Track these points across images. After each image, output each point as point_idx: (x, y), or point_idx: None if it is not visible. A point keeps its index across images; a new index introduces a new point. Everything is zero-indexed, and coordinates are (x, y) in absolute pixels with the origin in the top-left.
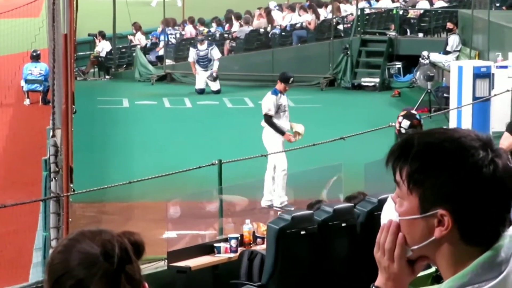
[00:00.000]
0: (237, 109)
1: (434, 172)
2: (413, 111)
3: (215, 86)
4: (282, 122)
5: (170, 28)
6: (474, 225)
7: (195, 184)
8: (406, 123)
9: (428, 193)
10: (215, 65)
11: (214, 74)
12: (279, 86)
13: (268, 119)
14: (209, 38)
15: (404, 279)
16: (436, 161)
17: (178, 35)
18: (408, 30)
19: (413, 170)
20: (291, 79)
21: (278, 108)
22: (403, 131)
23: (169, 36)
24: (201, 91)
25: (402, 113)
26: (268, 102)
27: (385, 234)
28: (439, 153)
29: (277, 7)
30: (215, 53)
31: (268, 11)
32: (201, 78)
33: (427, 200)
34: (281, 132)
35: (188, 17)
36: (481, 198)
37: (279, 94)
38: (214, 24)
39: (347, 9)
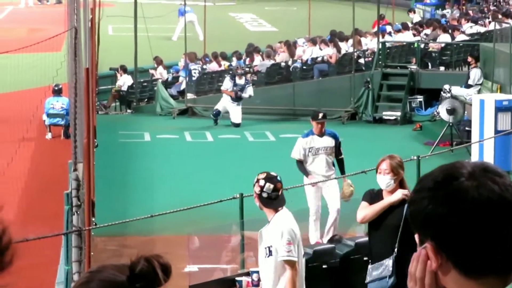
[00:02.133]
0: (258, 142)
1: (419, 201)
2: (273, 173)
3: (236, 118)
4: (314, 166)
5: (192, 63)
6: (466, 254)
7: (217, 217)
8: (269, 186)
9: (415, 224)
10: (247, 95)
11: (241, 94)
12: (313, 126)
13: (297, 163)
14: (230, 72)
15: None
16: (421, 189)
17: (200, 69)
18: (429, 64)
19: (408, 202)
20: (320, 114)
21: (309, 152)
22: (264, 195)
23: (192, 71)
24: (217, 113)
25: (262, 175)
26: (296, 146)
27: (416, 263)
28: (426, 181)
29: (305, 43)
30: (250, 90)
31: (288, 44)
32: (225, 103)
33: (419, 232)
34: (306, 173)
35: (212, 52)
36: (465, 225)
37: (311, 136)
38: (234, 58)
39: (368, 43)
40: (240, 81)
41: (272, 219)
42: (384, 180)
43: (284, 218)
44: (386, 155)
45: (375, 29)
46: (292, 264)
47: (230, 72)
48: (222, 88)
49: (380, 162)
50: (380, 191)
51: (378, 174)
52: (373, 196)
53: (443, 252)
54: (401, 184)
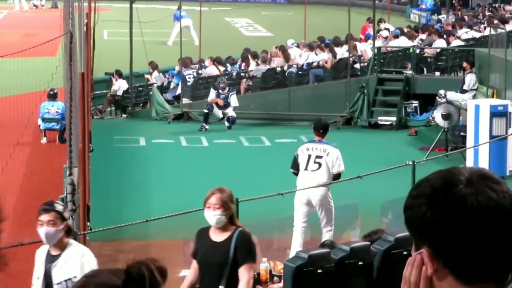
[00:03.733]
0: (253, 147)
1: (417, 207)
2: None
3: (230, 112)
4: None
5: (187, 68)
6: (464, 261)
7: None
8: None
9: (412, 230)
10: (230, 109)
11: (228, 114)
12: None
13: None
14: (226, 77)
15: None
16: (418, 195)
17: (195, 74)
18: (425, 69)
19: (404, 207)
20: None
21: None
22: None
23: (187, 76)
24: (210, 107)
25: (62, 205)
26: (341, 158)
27: (410, 268)
28: (423, 187)
29: (295, 44)
30: (233, 99)
31: (283, 49)
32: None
33: (415, 238)
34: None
35: (209, 56)
36: (463, 232)
37: None
38: (228, 64)
39: (363, 48)
40: (224, 92)
41: (67, 249)
42: (213, 216)
43: (77, 244)
44: (215, 188)
45: (366, 34)
46: None
47: (215, 83)
48: (209, 99)
49: (208, 195)
50: (208, 228)
51: (207, 209)
52: (201, 234)
53: (440, 258)
54: (231, 220)
